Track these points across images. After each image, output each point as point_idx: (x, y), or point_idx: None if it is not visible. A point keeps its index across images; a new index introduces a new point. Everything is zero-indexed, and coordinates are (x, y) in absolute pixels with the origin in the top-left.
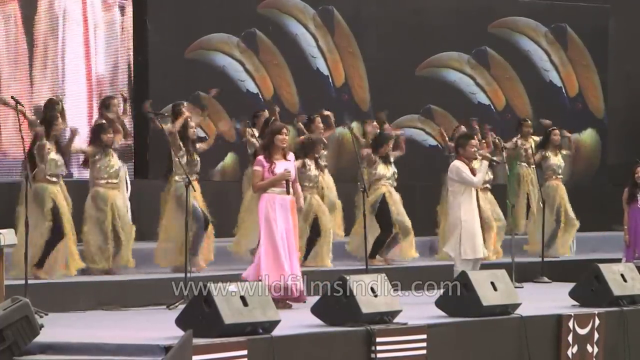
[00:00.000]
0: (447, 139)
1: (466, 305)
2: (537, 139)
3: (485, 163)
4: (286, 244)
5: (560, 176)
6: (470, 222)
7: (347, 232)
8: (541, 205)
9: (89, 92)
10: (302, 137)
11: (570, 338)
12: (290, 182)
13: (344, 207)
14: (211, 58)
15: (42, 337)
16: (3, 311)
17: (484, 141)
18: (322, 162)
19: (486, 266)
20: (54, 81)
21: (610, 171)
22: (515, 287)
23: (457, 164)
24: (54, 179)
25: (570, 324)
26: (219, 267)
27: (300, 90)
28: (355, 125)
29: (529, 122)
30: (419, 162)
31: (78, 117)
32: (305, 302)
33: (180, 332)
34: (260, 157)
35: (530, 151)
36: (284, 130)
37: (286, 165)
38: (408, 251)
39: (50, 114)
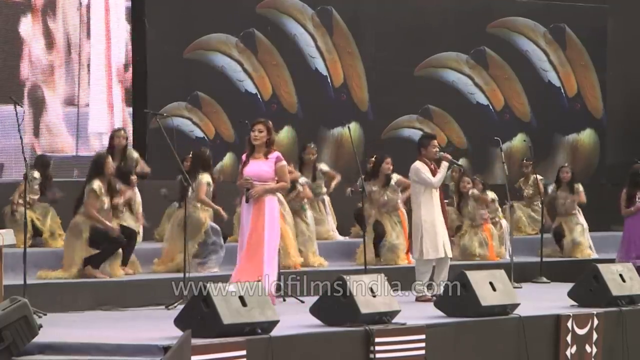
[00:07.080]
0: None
1: (465, 305)
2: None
3: (445, 164)
4: (255, 244)
5: None
6: (431, 222)
7: (346, 233)
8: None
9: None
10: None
11: (569, 338)
12: (255, 190)
13: (342, 208)
14: (210, 58)
15: (41, 337)
16: (2, 311)
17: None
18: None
19: (485, 266)
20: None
21: (608, 171)
22: (514, 287)
23: (417, 165)
24: None
25: (569, 324)
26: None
27: (299, 90)
28: (353, 125)
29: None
30: None
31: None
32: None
33: (179, 332)
34: (244, 154)
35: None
36: (256, 127)
37: (260, 165)
38: None
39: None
